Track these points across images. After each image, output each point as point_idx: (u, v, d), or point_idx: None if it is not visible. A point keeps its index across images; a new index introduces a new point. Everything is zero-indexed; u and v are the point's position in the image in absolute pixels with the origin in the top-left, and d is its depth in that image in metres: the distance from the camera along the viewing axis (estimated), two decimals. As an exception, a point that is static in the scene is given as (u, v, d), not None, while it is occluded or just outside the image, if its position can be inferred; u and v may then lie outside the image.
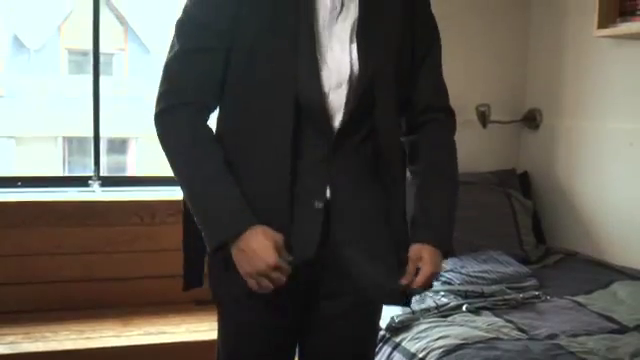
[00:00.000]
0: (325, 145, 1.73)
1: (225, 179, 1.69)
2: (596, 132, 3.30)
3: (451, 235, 1.88)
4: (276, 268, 1.64)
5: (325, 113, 1.72)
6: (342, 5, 1.75)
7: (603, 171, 3.26)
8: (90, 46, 3.41)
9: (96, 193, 3.36)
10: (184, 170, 1.71)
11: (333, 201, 1.74)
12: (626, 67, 3.14)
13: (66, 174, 10.35)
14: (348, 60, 1.73)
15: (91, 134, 3.44)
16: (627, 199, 3.15)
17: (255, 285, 1.66)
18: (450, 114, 1.95)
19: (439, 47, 1.91)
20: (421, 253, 1.78)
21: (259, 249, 1.63)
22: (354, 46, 1.74)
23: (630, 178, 3.13)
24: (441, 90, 1.93)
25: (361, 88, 1.73)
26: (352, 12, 1.76)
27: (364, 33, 1.75)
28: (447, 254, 1.84)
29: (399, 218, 1.85)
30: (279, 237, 1.66)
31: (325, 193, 1.73)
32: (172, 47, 1.76)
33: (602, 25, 2.95)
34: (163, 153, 1.75)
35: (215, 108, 1.79)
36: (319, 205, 1.72)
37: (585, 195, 3.37)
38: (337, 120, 1.73)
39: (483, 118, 3.47)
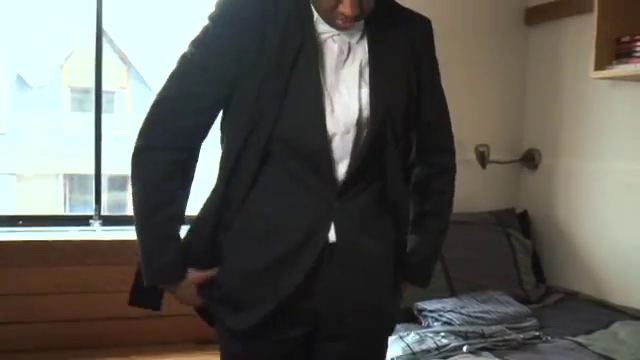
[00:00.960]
0: (330, 191, 1.73)
1: (170, 230, 1.76)
2: (594, 172, 3.32)
3: (432, 271, 2.00)
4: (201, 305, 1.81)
5: (330, 160, 1.72)
6: (349, 50, 1.76)
7: (602, 211, 3.28)
8: (92, 84, 3.44)
9: (97, 232, 3.36)
10: (140, 207, 1.75)
11: (337, 244, 1.74)
12: (623, 108, 3.17)
13: (67, 211, 10.37)
14: (357, 105, 1.73)
15: (92, 171, 3.46)
16: (626, 238, 3.16)
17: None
18: (453, 155, 1.98)
19: (441, 88, 1.94)
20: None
21: (185, 296, 1.80)
22: (363, 91, 1.74)
23: (629, 218, 3.15)
24: (446, 131, 1.96)
25: (372, 133, 1.73)
26: (359, 56, 1.76)
27: (374, 78, 1.75)
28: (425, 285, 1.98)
29: (403, 254, 1.89)
30: (200, 276, 1.78)
31: (327, 235, 1.74)
32: (163, 87, 1.76)
33: (599, 67, 2.98)
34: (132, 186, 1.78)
35: (195, 151, 1.80)
36: (319, 247, 1.73)
37: (584, 234, 3.38)
38: (343, 166, 1.74)
39: (482, 158, 3.50)
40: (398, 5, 1.93)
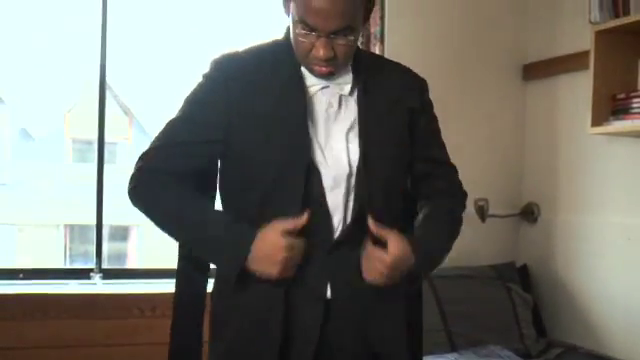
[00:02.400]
0: (325, 243, 1.73)
1: (213, 211, 1.76)
2: (593, 226, 3.33)
3: (435, 258, 1.85)
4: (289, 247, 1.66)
5: (325, 211, 1.73)
6: (340, 102, 1.77)
7: (602, 264, 3.28)
8: (94, 135, 3.47)
9: (97, 286, 3.37)
10: (175, 219, 1.74)
11: (333, 299, 1.74)
12: (620, 163, 3.20)
13: (67, 261, 10.35)
14: (346, 159, 1.75)
15: (93, 222, 3.47)
16: (626, 292, 3.16)
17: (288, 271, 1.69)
18: (459, 193, 1.99)
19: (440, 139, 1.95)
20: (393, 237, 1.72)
21: (269, 249, 1.66)
22: (352, 146, 1.75)
23: (628, 272, 3.15)
24: (451, 179, 1.98)
25: (361, 191, 1.74)
26: (351, 110, 1.77)
27: (364, 133, 1.76)
28: (420, 269, 1.77)
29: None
30: (283, 224, 1.67)
31: (325, 292, 1.74)
32: (156, 139, 1.78)
33: (596, 123, 3.01)
34: (148, 214, 1.77)
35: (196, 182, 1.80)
36: (318, 304, 1.73)
37: (585, 288, 3.38)
38: (336, 220, 1.74)
39: (482, 212, 3.51)
40: (391, 61, 1.96)
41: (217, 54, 1.81)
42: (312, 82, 1.76)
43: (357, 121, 1.77)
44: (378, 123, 1.78)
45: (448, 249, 1.92)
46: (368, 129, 1.76)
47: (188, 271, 1.87)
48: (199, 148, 1.76)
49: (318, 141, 1.74)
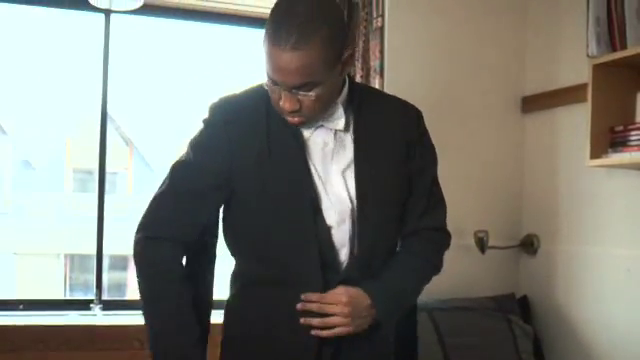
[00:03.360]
0: (334, 280, 1.76)
1: (185, 320, 1.78)
2: (593, 258, 3.34)
3: (396, 305, 1.85)
4: None
5: (331, 248, 1.77)
6: (335, 139, 1.80)
7: (602, 296, 3.28)
8: (95, 165, 3.48)
9: (97, 317, 3.36)
10: (149, 305, 1.80)
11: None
12: (619, 195, 3.21)
13: (67, 290, 10.34)
14: (347, 196, 1.77)
15: (93, 251, 3.48)
16: (627, 323, 3.15)
17: None
18: (440, 232, 1.97)
19: (434, 173, 1.96)
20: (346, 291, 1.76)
21: None
22: (350, 182, 1.78)
23: (629, 303, 3.15)
24: (438, 213, 1.96)
25: (366, 227, 1.77)
26: (347, 148, 1.80)
27: (359, 169, 1.79)
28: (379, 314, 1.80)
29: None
30: None
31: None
32: (163, 183, 1.82)
33: (594, 155, 3.03)
34: (140, 287, 1.81)
35: (193, 245, 1.83)
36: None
37: (585, 319, 3.38)
38: (343, 254, 1.78)
39: (481, 244, 3.52)
40: (387, 94, 1.99)
41: (214, 99, 1.86)
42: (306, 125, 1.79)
43: (354, 159, 1.80)
44: (375, 161, 1.81)
45: (417, 292, 1.95)
46: (365, 167, 1.79)
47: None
48: (205, 195, 1.79)
49: (319, 178, 1.77)
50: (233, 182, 1.77)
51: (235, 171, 1.76)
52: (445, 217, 1.98)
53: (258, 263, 1.78)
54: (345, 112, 1.80)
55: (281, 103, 1.70)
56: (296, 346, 1.76)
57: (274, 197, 1.75)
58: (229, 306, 1.89)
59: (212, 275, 1.90)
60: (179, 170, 1.82)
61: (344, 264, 1.77)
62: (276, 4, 1.70)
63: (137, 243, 1.80)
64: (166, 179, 1.82)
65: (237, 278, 1.87)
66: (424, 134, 1.93)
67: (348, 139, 1.81)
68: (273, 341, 1.78)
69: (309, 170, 1.76)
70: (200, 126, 1.84)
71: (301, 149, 1.77)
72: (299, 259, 1.75)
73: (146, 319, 1.81)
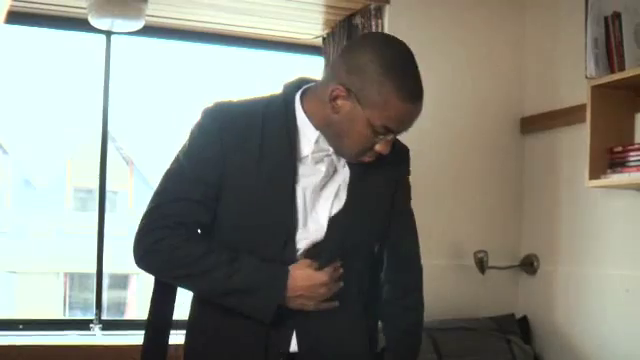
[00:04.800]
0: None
1: (239, 257, 1.74)
2: (592, 278, 3.34)
3: None
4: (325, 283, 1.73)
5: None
6: (334, 172, 1.81)
7: (601, 316, 3.28)
8: (95, 184, 3.50)
9: (97, 337, 3.36)
10: (201, 274, 1.73)
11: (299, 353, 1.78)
12: (619, 216, 3.22)
13: (67, 309, 10.32)
14: (325, 226, 1.78)
15: (92, 270, 3.48)
16: (626, 343, 3.15)
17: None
18: (418, 273, 2.02)
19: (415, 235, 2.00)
20: None
21: (309, 282, 1.72)
22: (334, 211, 1.79)
23: (628, 323, 3.15)
24: (412, 253, 2.00)
25: (335, 256, 1.78)
26: (338, 179, 1.81)
27: (348, 203, 1.80)
28: None
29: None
30: (308, 261, 1.74)
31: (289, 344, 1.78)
32: (155, 197, 1.79)
33: (594, 176, 3.04)
34: (165, 277, 1.79)
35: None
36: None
37: (585, 339, 3.37)
38: None
39: (481, 264, 3.52)
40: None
41: (209, 103, 1.83)
42: (309, 150, 1.78)
43: (344, 190, 1.81)
44: (362, 195, 1.83)
45: None
46: (351, 200, 1.81)
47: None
48: (198, 204, 1.77)
49: (304, 205, 1.77)
50: (221, 193, 1.76)
51: (223, 184, 1.75)
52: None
53: None
54: None
55: (379, 148, 1.74)
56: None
57: (251, 215, 1.75)
58: (190, 321, 1.88)
59: None
60: (173, 180, 1.79)
61: None
62: (381, 50, 1.71)
63: (145, 254, 1.76)
64: (159, 192, 1.79)
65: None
66: (408, 175, 1.99)
67: (343, 171, 1.82)
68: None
69: (294, 196, 1.76)
70: (193, 131, 1.80)
71: (292, 173, 1.76)
72: None
73: (217, 292, 1.75)
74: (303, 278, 1.71)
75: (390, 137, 1.73)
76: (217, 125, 1.77)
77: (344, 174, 1.82)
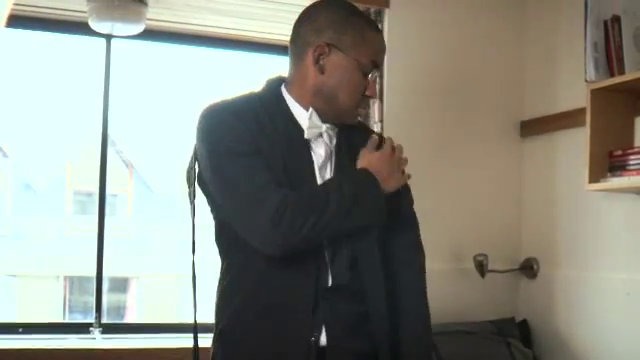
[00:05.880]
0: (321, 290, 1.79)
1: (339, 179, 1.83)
2: (593, 281, 3.34)
3: None
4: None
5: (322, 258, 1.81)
6: (330, 154, 1.88)
7: (602, 319, 3.28)
8: (95, 187, 3.49)
9: (97, 340, 3.36)
10: (336, 209, 1.76)
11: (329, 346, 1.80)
12: (618, 219, 3.22)
13: (66, 312, 10.32)
14: None
15: (92, 273, 3.48)
16: (626, 347, 3.15)
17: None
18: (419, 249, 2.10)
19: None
20: None
21: (381, 158, 1.85)
22: None
23: (628, 326, 3.15)
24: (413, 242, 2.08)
25: (345, 248, 1.82)
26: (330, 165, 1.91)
27: None
28: None
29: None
30: (365, 150, 1.88)
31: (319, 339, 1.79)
32: (234, 192, 1.79)
33: (593, 179, 3.04)
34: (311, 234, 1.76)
35: None
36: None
37: (585, 343, 3.38)
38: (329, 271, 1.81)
39: (481, 268, 3.52)
40: (367, 127, 2.08)
41: (207, 106, 1.87)
42: (306, 125, 1.86)
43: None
44: None
45: None
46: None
47: None
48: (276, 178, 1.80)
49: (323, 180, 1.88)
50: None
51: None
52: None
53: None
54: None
55: (371, 92, 1.87)
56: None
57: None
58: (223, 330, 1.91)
59: None
60: (247, 178, 1.78)
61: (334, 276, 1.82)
62: (334, 4, 1.89)
63: (289, 229, 1.74)
64: (252, 191, 1.77)
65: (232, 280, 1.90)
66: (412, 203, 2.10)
67: (334, 157, 1.90)
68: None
69: (314, 171, 1.86)
70: (212, 133, 1.83)
71: (311, 160, 1.85)
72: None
73: (342, 223, 1.78)
74: (375, 160, 1.83)
75: (375, 75, 1.85)
76: (234, 117, 1.81)
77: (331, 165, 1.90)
